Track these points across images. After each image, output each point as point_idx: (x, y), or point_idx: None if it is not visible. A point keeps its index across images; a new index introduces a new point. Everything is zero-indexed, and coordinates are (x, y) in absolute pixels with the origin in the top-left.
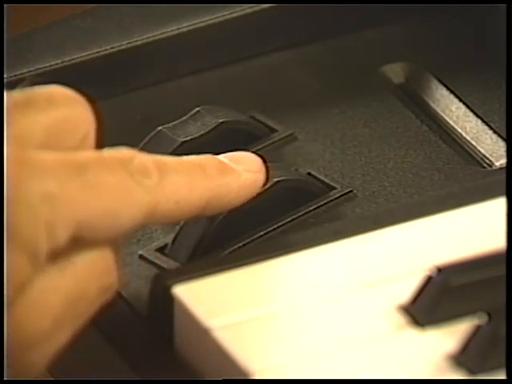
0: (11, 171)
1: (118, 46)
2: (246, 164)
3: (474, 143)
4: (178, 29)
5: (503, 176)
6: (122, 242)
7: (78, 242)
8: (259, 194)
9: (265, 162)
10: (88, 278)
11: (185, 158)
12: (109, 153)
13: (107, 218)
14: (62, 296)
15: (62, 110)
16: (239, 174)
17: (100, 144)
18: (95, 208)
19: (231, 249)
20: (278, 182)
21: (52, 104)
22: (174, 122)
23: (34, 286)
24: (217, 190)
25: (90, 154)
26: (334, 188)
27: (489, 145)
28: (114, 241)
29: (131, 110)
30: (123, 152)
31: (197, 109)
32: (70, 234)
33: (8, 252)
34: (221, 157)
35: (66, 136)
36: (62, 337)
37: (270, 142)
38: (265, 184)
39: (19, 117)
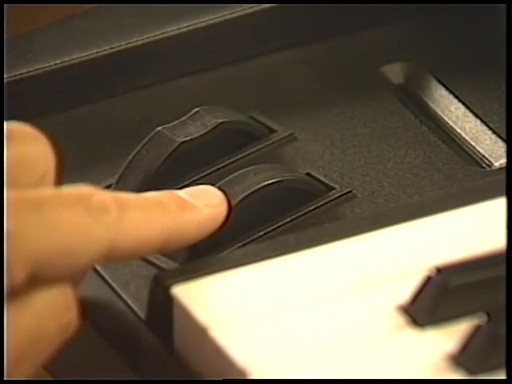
0: None
1: (118, 46)
2: (206, 199)
3: (473, 143)
4: (178, 29)
5: (503, 176)
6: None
7: (37, 280)
8: (259, 194)
9: (226, 195)
10: (47, 316)
11: (144, 194)
12: (67, 190)
13: (65, 256)
14: (22, 335)
15: (21, 148)
16: (199, 209)
17: (60, 181)
18: (53, 246)
19: (231, 249)
20: (278, 181)
21: (11, 141)
22: (174, 123)
23: None
24: (176, 227)
25: (48, 191)
26: (334, 188)
27: (488, 145)
28: (73, 277)
29: (130, 110)
30: (82, 189)
31: (196, 109)
32: (27, 272)
33: None
34: (181, 192)
35: (25, 173)
36: (22, 375)
37: (269, 142)
38: (227, 217)
39: None
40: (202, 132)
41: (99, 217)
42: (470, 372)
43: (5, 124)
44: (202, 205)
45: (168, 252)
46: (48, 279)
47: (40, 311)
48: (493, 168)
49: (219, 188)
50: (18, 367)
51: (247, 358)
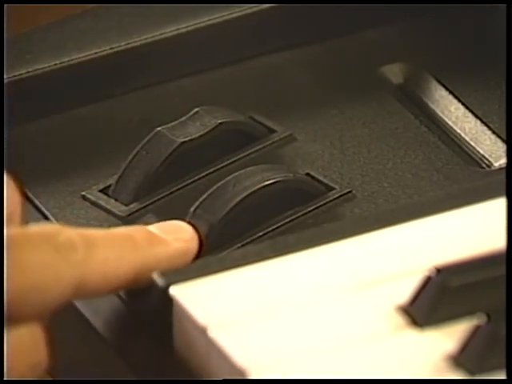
0: None
1: (118, 47)
2: (176, 233)
3: (473, 144)
4: (178, 29)
5: (502, 176)
6: None
7: (5, 320)
8: (260, 194)
9: (196, 230)
10: (16, 356)
11: (113, 230)
12: (33, 229)
13: (33, 295)
14: None
15: None
16: (169, 243)
17: (24, 221)
18: (20, 285)
19: (231, 249)
20: (278, 181)
21: None
22: (173, 123)
23: None
24: (146, 262)
25: (14, 231)
26: (333, 188)
27: (488, 145)
28: (42, 316)
29: (130, 111)
30: (48, 228)
31: (196, 109)
32: None
33: None
34: (151, 227)
35: None
36: None
37: (269, 142)
38: (199, 253)
39: None
40: (202, 132)
41: (67, 255)
42: (470, 372)
43: None
44: (171, 239)
45: (138, 284)
46: (17, 318)
47: (9, 351)
48: (492, 168)
49: (189, 222)
50: None
51: (247, 358)
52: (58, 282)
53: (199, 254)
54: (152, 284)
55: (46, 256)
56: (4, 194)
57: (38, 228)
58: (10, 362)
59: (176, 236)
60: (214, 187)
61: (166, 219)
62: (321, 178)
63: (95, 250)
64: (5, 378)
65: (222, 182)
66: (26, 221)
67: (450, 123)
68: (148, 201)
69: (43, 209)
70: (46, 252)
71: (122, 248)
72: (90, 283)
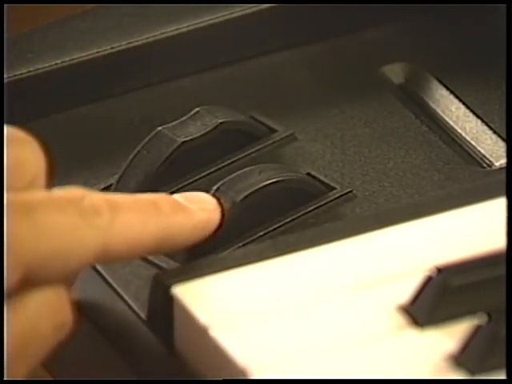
0: None
1: (118, 46)
2: (200, 203)
3: (473, 143)
4: (178, 29)
5: (503, 176)
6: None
7: (29, 282)
8: (259, 194)
9: (219, 202)
10: (41, 317)
11: (138, 195)
12: (59, 193)
13: (57, 260)
14: (16, 336)
15: (11, 151)
16: (193, 212)
17: (50, 185)
18: (45, 249)
19: (231, 249)
20: (279, 181)
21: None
22: (174, 123)
23: None
24: (170, 229)
25: (40, 194)
26: (334, 188)
27: (488, 145)
28: (66, 279)
29: (131, 110)
30: (73, 191)
31: (196, 109)
32: (19, 276)
33: None
34: (175, 196)
35: (15, 177)
36: (17, 376)
37: (269, 142)
38: (221, 224)
39: None
40: (203, 132)
41: (91, 219)
42: (470, 372)
43: None
44: (196, 208)
45: (161, 254)
46: (41, 282)
47: (34, 312)
48: (493, 168)
49: (213, 195)
50: (14, 368)
51: (248, 357)
52: (82, 246)
53: (220, 227)
54: (153, 284)
55: (71, 220)
56: (26, 157)
57: (63, 192)
58: (35, 324)
59: (200, 206)
60: (214, 187)
61: None
62: (322, 178)
63: (119, 214)
64: (5, 378)
65: (222, 181)
66: (50, 183)
67: (450, 123)
68: None
69: None
70: (71, 216)
71: (146, 214)
72: (113, 248)
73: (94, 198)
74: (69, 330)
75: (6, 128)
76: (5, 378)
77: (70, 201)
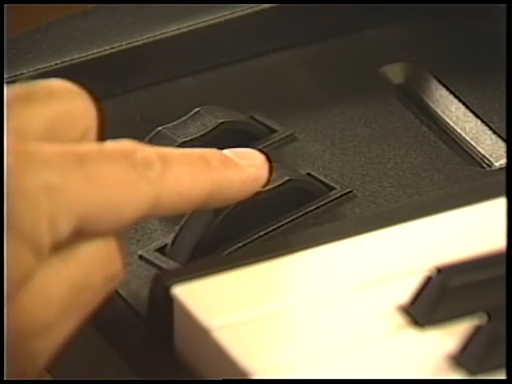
0: (11, 163)
1: (118, 46)
2: (249, 159)
3: (473, 143)
4: (178, 29)
5: (503, 176)
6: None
7: (81, 234)
8: (259, 194)
9: (268, 159)
10: (92, 267)
11: (188, 150)
12: (111, 145)
13: (109, 211)
14: (66, 287)
15: (62, 104)
16: (242, 168)
17: (101, 138)
18: (97, 201)
19: (231, 249)
20: (279, 181)
21: (53, 97)
22: (174, 123)
23: (38, 278)
24: (219, 183)
25: (92, 146)
26: (334, 188)
27: (488, 145)
28: (116, 231)
29: (131, 110)
30: (125, 144)
31: (197, 109)
32: (71, 227)
33: (10, 245)
34: (224, 151)
35: (67, 130)
36: (67, 327)
37: (269, 142)
38: (268, 181)
39: (20, 110)
40: (203, 132)
41: (143, 172)
42: (471, 372)
43: (47, 81)
44: (245, 164)
45: (211, 208)
46: (93, 234)
47: (84, 262)
48: (493, 168)
49: (262, 152)
50: (64, 318)
51: (248, 358)
52: (134, 198)
53: (267, 183)
54: (153, 284)
55: (123, 172)
56: (78, 110)
57: (115, 144)
58: (86, 275)
59: (249, 162)
60: None
61: None
62: (321, 178)
63: (170, 167)
64: (5, 378)
65: None
66: (101, 137)
67: (450, 123)
68: None
69: None
70: (123, 168)
71: (196, 167)
72: (164, 201)
73: (146, 151)
74: (118, 281)
75: (58, 81)
76: (5, 378)
77: (122, 153)
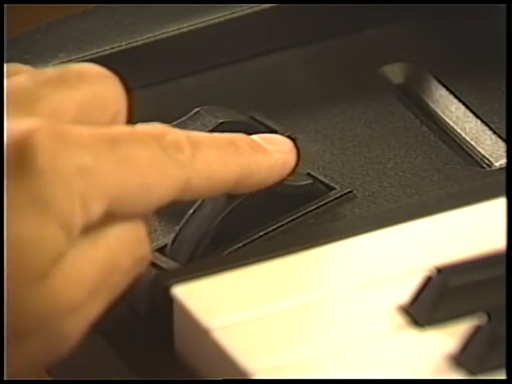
0: (46, 143)
1: (118, 46)
2: (277, 145)
3: (473, 143)
4: (178, 29)
5: (503, 176)
6: None
7: (112, 215)
8: (260, 194)
9: (296, 145)
10: (121, 249)
11: (217, 134)
12: (142, 128)
13: (140, 193)
14: (97, 267)
15: (94, 87)
16: (271, 153)
17: (131, 121)
18: (129, 183)
19: (231, 249)
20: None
21: (84, 80)
22: (174, 123)
23: (69, 258)
24: (248, 168)
25: (124, 128)
26: (334, 188)
27: (488, 145)
28: (145, 213)
29: (131, 110)
30: (156, 127)
31: (197, 109)
32: (103, 209)
33: (43, 224)
34: (253, 136)
35: (98, 112)
36: (97, 307)
37: None
38: (295, 167)
39: (52, 92)
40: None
41: (174, 154)
42: (471, 372)
43: (79, 64)
44: (273, 149)
45: (238, 192)
46: (123, 216)
47: (114, 244)
48: (493, 168)
49: (290, 138)
50: (94, 299)
51: (249, 358)
52: (164, 180)
53: (295, 170)
54: (153, 284)
55: (154, 155)
56: (109, 93)
57: (146, 127)
58: (115, 257)
59: (277, 147)
60: None
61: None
62: (321, 178)
63: (200, 151)
64: (5, 378)
65: None
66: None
67: (450, 123)
68: None
69: None
70: (154, 151)
71: (225, 151)
72: (194, 184)
73: (176, 134)
74: (146, 265)
75: (90, 65)
76: (5, 378)
77: (153, 136)
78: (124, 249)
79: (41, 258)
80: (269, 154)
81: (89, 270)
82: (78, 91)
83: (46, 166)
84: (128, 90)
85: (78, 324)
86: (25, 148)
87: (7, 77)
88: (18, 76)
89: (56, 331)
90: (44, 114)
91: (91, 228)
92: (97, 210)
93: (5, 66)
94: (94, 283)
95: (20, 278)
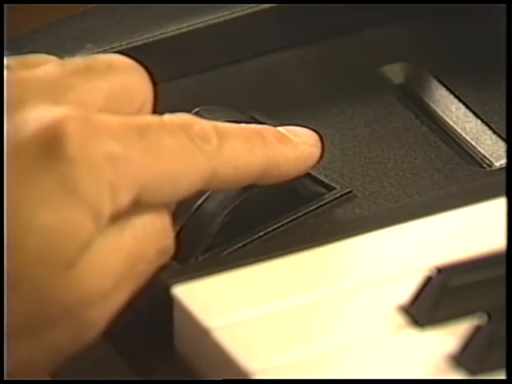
0: (76, 131)
1: (118, 46)
2: (303, 137)
3: (473, 143)
4: (178, 29)
5: (503, 176)
6: None
7: (137, 205)
8: (260, 194)
9: (321, 138)
10: (147, 239)
11: (244, 125)
12: (170, 117)
13: (168, 182)
14: (123, 257)
15: (121, 77)
16: (297, 144)
17: (157, 113)
18: (157, 172)
19: (231, 249)
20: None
21: (112, 71)
22: None
23: (96, 247)
24: (275, 158)
25: (152, 118)
26: (334, 188)
27: (489, 145)
28: (170, 205)
29: None
30: (184, 117)
31: (197, 109)
32: (131, 197)
33: (72, 211)
34: (279, 128)
35: (126, 102)
36: (122, 296)
37: None
38: (319, 160)
39: (81, 81)
40: None
41: (201, 144)
42: (471, 372)
43: (106, 55)
44: (299, 141)
45: (263, 183)
46: (150, 204)
47: (140, 234)
48: (493, 168)
49: (315, 130)
50: (119, 288)
51: (249, 358)
52: (191, 170)
53: (321, 159)
54: (153, 284)
55: (182, 144)
56: (136, 84)
57: (174, 117)
58: (141, 247)
59: (303, 139)
60: None
61: None
62: (321, 178)
63: (227, 141)
64: (5, 378)
65: None
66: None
67: (450, 123)
68: None
69: None
70: (182, 140)
71: (252, 142)
72: (220, 174)
73: (204, 124)
74: (170, 255)
75: (117, 56)
76: (5, 378)
77: (180, 126)
78: (150, 239)
79: (69, 245)
80: (294, 146)
81: (115, 260)
82: (105, 81)
83: (76, 154)
84: (154, 82)
85: (103, 313)
86: (55, 135)
87: (33, 66)
88: (47, 65)
89: (81, 320)
90: (72, 103)
91: (118, 216)
92: (125, 198)
93: (31, 55)
94: (120, 273)
95: (48, 266)
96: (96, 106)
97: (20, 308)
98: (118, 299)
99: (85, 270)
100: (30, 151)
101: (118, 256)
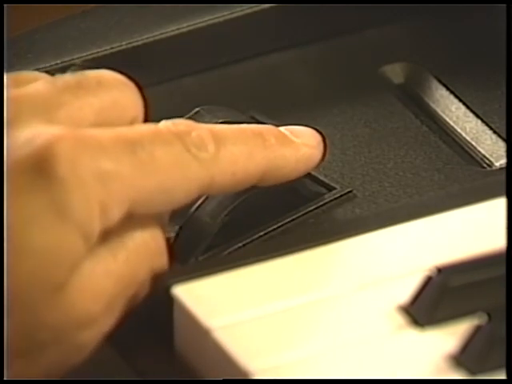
0: (67, 152)
1: (118, 46)
2: (304, 138)
3: (473, 143)
4: (178, 29)
5: (503, 176)
6: None
7: (130, 218)
8: (260, 194)
9: (323, 138)
10: (140, 260)
11: (244, 126)
12: (166, 125)
13: (161, 194)
14: (114, 280)
15: (112, 93)
16: (298, 146)
17: (157, 113)
18: (149, 186)
19: (231, 249)
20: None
21: (103, 87)
22: None
23: (86, 268)
24: (275, 161)
25: (146, 128)
26: (334, 188)
27: (489, 145)
28: (162, 219)
29: None
30: (180, 125)
31: (197, 109)
32: (123, 211)
33: (61, 231)
34: (281, 128)
35: (116, 118)
36: (112, 319)
37: None
38: (321, 161)
39: (71, 98)
40: None
41: (197, 153)
42: (471, 372)
43: (95, 71)
44: (300, 142)
45: (263, 185)
46: (143, 216)
47: (133, 255)
48: (493, 168)
49: (317, 130)
50: (110, 311)
51: (249, 358)
52: (187, 181)
53: (322, 160)
54: (153, 284)
55: (177, 155)
56: (127, 100)
57: (170, 124)
58: (134, 269)
59: (304, 140)
60: None
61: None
62: (321, 178)
63: (225, 147)
64: (5, 378)
65: None
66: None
67: (450, 123)
68: None
69: None
70: (177, 151)
71: (251, 145)
72: (218, 181)
73: (201, 130)
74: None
75: (107, 71)
76: (5, 378)
77: (176, 134)
78: (142, 261)
79: (59, 267)
80: (295, 148)
81: (106, 283)
82: (96, 98)
83: (66, 175)
84: (144, 97)
85: (92, 336)
86: (46, 158)
87: (24, 84)
88: (37, 83)
89: (71, 343)
90: (63, 120)
91: (109, 233)
92: (116, 213)
93: (22, 72)
94: (111, 296)
95: (37, 289)
96: (87, 122)
97: (10, 331)
98: (108, 322)
99: (75, 293)
100: (22, 173)
101: (109, 280)
